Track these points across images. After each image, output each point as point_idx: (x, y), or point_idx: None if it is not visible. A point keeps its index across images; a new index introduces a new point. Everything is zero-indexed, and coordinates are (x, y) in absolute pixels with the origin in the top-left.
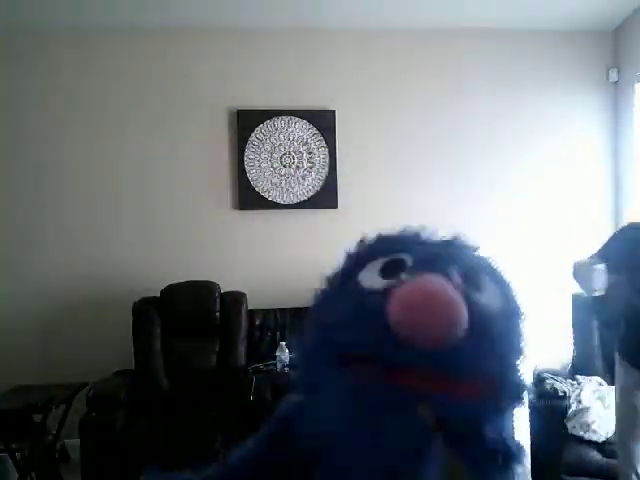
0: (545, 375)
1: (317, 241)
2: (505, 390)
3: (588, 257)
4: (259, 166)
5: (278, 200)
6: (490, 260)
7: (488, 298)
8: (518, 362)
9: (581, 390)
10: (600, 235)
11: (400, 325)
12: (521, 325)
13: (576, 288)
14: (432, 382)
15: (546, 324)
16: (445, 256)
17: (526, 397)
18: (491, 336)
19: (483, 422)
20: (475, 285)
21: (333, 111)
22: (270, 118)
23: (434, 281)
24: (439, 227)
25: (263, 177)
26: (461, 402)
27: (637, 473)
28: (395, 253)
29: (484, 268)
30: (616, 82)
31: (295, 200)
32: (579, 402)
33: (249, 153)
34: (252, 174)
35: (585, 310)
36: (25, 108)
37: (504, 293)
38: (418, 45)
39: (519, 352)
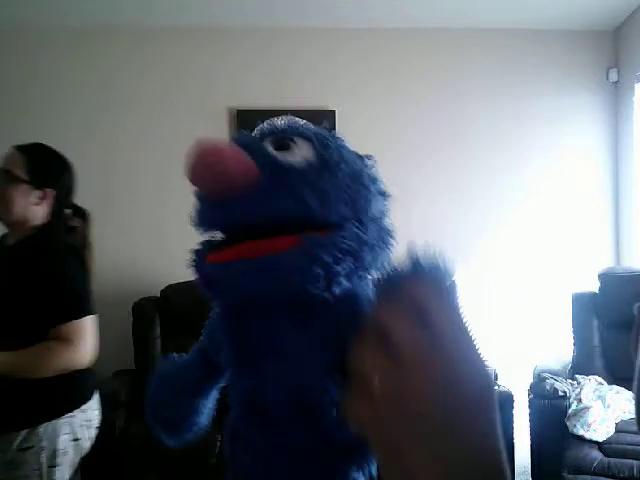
0: (545, 375)
1: None
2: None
3: None
4: None
5: None
6: (320, 129)
7: (292, 155)
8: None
9: (581, 390)
10: (599, 233)
11: (190, 181)
12: (338, 170)
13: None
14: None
15: (546, 324)
16: (265, 134)
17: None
18: (283, 181)
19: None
20: (284, 147)
21: (333, 111)
22: (270, 118)
23: (211, 142)
24: (439, 227)
25: None
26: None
27: None
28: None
29: (303, 134)
30: (616, 82)
31: None
32: (579, 401)
33: None
34: None
35: (585, 310)
36: (24, 108)
37: (317, 151)
38: (418, 45)
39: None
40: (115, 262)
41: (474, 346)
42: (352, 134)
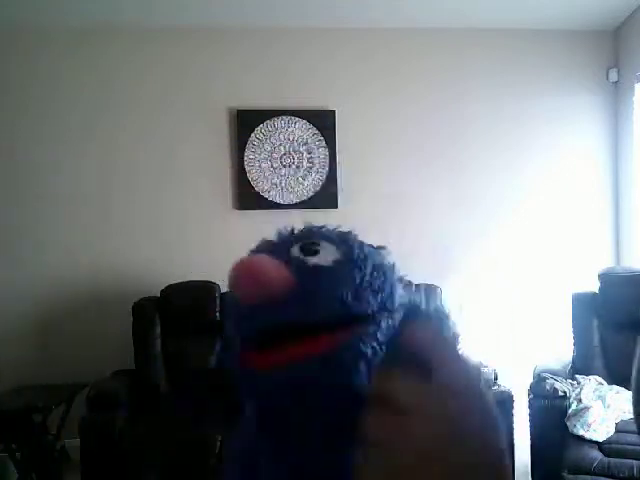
0: (545, 375)
1: None
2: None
3: None
4: (259, 166)
5: (278, 200)
6: (339, 231)
7: (321, 258)
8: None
9: (581, 389)
10: (599, 233)
11: (233, 292)
12: (365, 266)
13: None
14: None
15: (546, 324)
16: (289, 240)
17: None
18: (318, 283)
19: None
20: (312, 252)
21: (333, 111)
22: (270, 118)
23: (250, 256)
24: (439, 227)
25: (263, 177)
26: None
27: None
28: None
29: (326, 237)
30: (616, 82)
31: (295, 200)
32: (579, 401)
33: (249, 153)
34: (252, 174)
35: (585, 310)
36: (24, 108)
37: (342, 249)
38: (418, 45)
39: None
40: (115, 262)
41: (483, 404)
42: (352, 134)
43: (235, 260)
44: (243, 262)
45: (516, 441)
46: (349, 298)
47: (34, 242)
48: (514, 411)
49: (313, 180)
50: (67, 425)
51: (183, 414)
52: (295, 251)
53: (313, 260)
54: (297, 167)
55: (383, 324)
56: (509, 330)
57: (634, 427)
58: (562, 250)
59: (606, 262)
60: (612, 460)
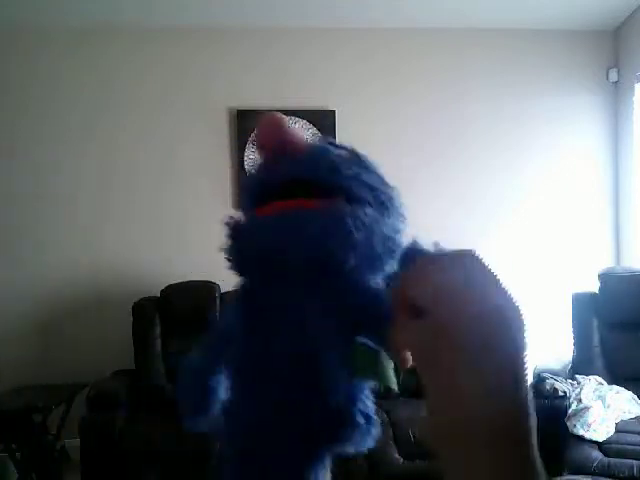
0: (545, 375)
1: None
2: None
3: None
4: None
5: None
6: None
7: (341, 152)
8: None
9: (581, 389)
10: (599, 233)
11: (258, 148)
12: (370, 167)
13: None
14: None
15: (546, 324)
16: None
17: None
18: (330, 155)
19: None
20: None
21: (333, 111)
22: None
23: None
24: (439, 227)
25: None
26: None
27: None
28: None
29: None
30: (616, 82)
31: None
32: (579, 401)
33: (249, 153)
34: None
35: (585, 310)
36: (24, 108)
37: (357, 155)
38: (418, 45)
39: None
40: (115, 262)
41: (496, 282)
42: (352, 134)
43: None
44: (274, 117)
45: None
46: (353, 181)
47: (34, 242)
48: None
49: None
50: (67, 425)
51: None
52: (322, 141)
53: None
54: None
55: (370, 214)
56: None
57: (634, 427)
58: (562, 250)
59: (606, 262)
60: (612, 460)
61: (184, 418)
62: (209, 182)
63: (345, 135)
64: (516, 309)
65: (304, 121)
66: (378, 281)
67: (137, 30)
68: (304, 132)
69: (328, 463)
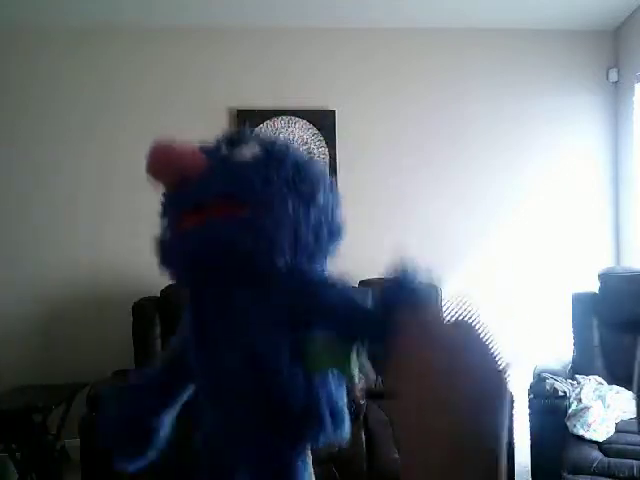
0: (545, 375)
1: None
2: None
3: None
4: None
5: None
6: (275, 137)
7: (241, 151)
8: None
9: (581, 389)
10: (599, 233)
11: (148, 175)
12: (282, 161)
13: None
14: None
15: (546, 324)
16: (224, 140)
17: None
18: (229, 167)
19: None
20: (236, 145)
21: (333, 111)
22: (270, 118)
23: (165, 141)
24: (439, 227)
25: None
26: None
27: None
28: None
29: (256, 139)
30: (616, 82)
31: None
32: (579, 401)
33: None
34: None
35: (585, 310)
36: (23, 108)
37: (264, 148)
38: (418, 45)
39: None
40: (115, 262)
41: (484, 347)
42: (352, 134)
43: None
44: (156, 146)
45: (516, 441)
46: (258, 184)
47: (34, 242)
48: (514, 411)
49: None
50: (67, 425)
51: (183, 414)
52: (222, 148)
53: (235, 155)
54: None
55: (292, 213)
56: (509, 330)
57: (634, 427)
58: (562, 250)
59: (606, 262)
60: (612, 460)
61: (116, 460)
62: None
63: (345, 135)
64: (502, 380)
65: (304, 121)
66: (322, 266)
67: (137, 30)
68: (190, 146)
69: (307, 461)
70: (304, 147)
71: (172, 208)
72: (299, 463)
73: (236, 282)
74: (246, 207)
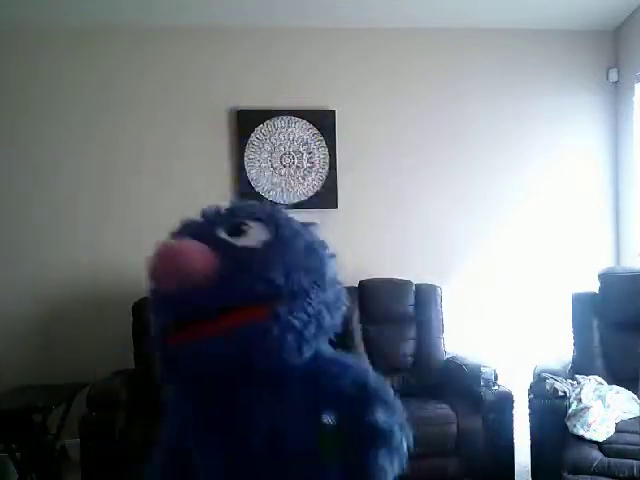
0: (545, 375)
1: None
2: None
3: None
4: (259, 166)
5: (278, 200)
6: (266, 208)
7: (249, 239)
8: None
9: (581, 389)
10: (599, 233)
11: (153, 280)
12: (296, 246)
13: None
14: (204, 327)
15: (546, 324)
16: (215, 220)
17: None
18: (247, 267)
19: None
20: (239, 233)
21: (333, 111)
22: (270, 118)
23: (173, 241)
24: (439, 227)
25: (263, 177)
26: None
27: None
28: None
29: (254, 216)
30: (616, 82)
31: (295, 200)
32: (579, 401)
33: (249, 153)
34: (252, 174)
35: (585, 310)
36: (24, 108)
37: (273, 230)
38: (418, 45)
39: (297, 268)
40: (115, 262)
41: None
42: (352, 134)
43: (158, 244)
44: (166, 248)
45: (516, 441)
46: (279, 279)
47: (34, 242)
48: (514, 411)
49: (313, 180)
50: (67, 425)
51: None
52: (221, 232)
53: (240, 242)
54: (297, 167)
55: (313, 300)
56: (509, 330)
57: (634, 427)
58: (562, 250)
59: (606, 262)
60: (612, 460)
61: None
62: (209, 182)
63: (345, 135)
64: None
65: (304, 121)
66: (325, 345)
67: (137, 30)
68: (204, 254)
69: None
70: (304, 147)
71: (179, 313)
72: None
73: (254, 383)
74: (268, 308)
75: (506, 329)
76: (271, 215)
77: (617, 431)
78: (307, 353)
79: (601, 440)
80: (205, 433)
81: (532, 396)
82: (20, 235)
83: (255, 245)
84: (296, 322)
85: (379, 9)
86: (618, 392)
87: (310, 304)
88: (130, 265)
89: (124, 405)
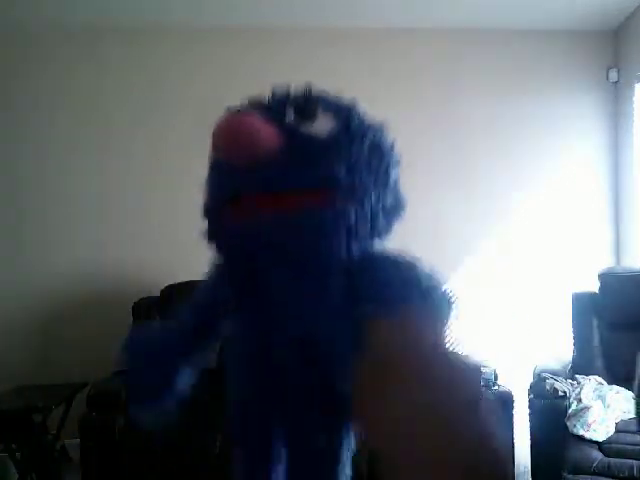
0: (545, 375)
1: None
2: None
3: None
4: None
5: None
6: (341, 99)
7: (317, 125)
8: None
9: (581, 389)
10: (599, 233)
11: (215, 150)
12: (363, 141)
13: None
14: (264, 202)
15: (546, 324)
16: (285, 101)
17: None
18: (311, 154)
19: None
20: (308, 117)
21: None
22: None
23: (241, 112)
24: (440, 227)
25: None
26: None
27: None
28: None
29: (326, 103)
30: (616, 82)
31: None
32: (579, 401)
33: None
34: None
35: (585, 310)
36: (24, 108)
37: (342, 122)
38: (418, 45)
39: (368, 165)
40: (115, 262)
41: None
42: None
43: (222, 117)
44: (231, 119)
45: (516, 441)
46: (340, 172)
47: (34, 242)
48: (514, 411)
49: None
50: (67, 425)
51: (183, 414)
52: (290, 114)
53: (307, 127)
54: None
55: (373, 199)
56: (509, 330)
57: (634, 427)
58: (562, 250)
59: (606, 262)
60: (612, 460)
61: (130, 403)
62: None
63: None
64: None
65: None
66: (380, 243)
67: (137, 30)
68: (270, 130)
69: (349, 444)
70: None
71: (236, 186)
72: (341, 445)
73: (301, 269)
74: (328, 195)
75: (506, 329)
76: (343, 107)
77: (617, 431)
78: (355, 252)
79: (601, 440)
80: (239, 310)
81: (532, 396)
82: (20, 235)
83: (322, 134)
84: (352, 215)
85: (379, 9)
86: (618, 392)
87: (369, 202)
88: (130, 265)
89: (124, 405)
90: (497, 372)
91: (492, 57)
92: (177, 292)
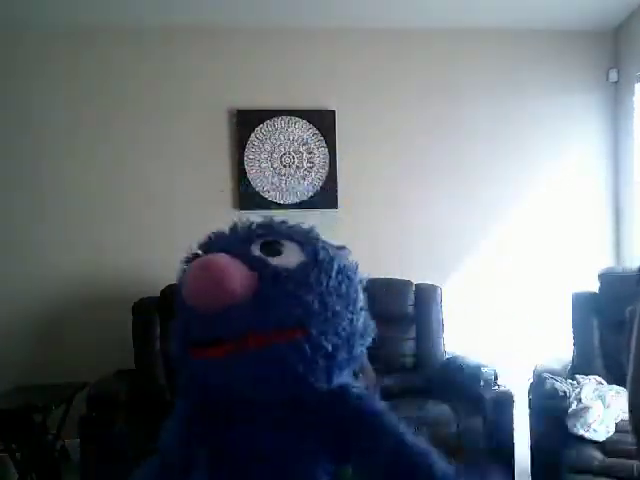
0: (545, 375)
1: None
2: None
3: None
4: (259, 166)
5: (278, 200)
6: (301, 229)
7: (285, 259)
8: (340, 302)
9: (581, 389)
10: (599, 233)
11: (186, 296)
12: (331, 270)
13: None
14: (239, 343)
15: (546, 324)
16: (249, 237)
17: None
18: (284, 288)
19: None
20: (274, 252)
21: (333, 111)
22: (270, 118)
23: (210, 257)
24: (440, 227)
25: (263, 177)
26: (273, 351)
27: None
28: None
29: (289, 236)
30: (616, 82)
31: (295, 200)
32: (579, 401)
33: (249, 153)
34: (252, 174)
35: (585, 310)
36: (24, 108)
37: (307, 250)
38: (418, 45)
39: (333, 292)
40: (116, 262)
41: None
42: (352, 134)
43: (193, 266)
44: (203, 263)
45: (516, 441)
46: (315, 303)
47: (34, 243)
48: (514, 411)
49: (313, 180)
50: (67, 425)
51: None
52: (255, 249)
53: (276, 261)
54: (297, 167)
55: (345, 324)
56: (509, 330)
57: None
58: (562, 250)
59: (606, 262)
60: (612, 460)
61: None
62: (209, 182)
63: (345, 135)
64: None
65: (304, 121)
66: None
67: (137, 30)
68: (243, 274)
69: None
70: (304, 147)
71: (212, 330)
72: None
73: (268, 415)
74: (303, 330)
75: (506, 329)
76: (306, 236)
77: (617, 431)
78: (336, 380)
79: (601, 440)
80: (214, 454)
81: (532, 396)
82: (20, 236)
83: (291, 266)
84: (329, 345)
85: (379, 9)
86: (618, 392)
87: (343, 329)
88: (130, 265)
89: (124, 405)
90: (497, 372)
91: (492, 57)
92: (177, 292)
